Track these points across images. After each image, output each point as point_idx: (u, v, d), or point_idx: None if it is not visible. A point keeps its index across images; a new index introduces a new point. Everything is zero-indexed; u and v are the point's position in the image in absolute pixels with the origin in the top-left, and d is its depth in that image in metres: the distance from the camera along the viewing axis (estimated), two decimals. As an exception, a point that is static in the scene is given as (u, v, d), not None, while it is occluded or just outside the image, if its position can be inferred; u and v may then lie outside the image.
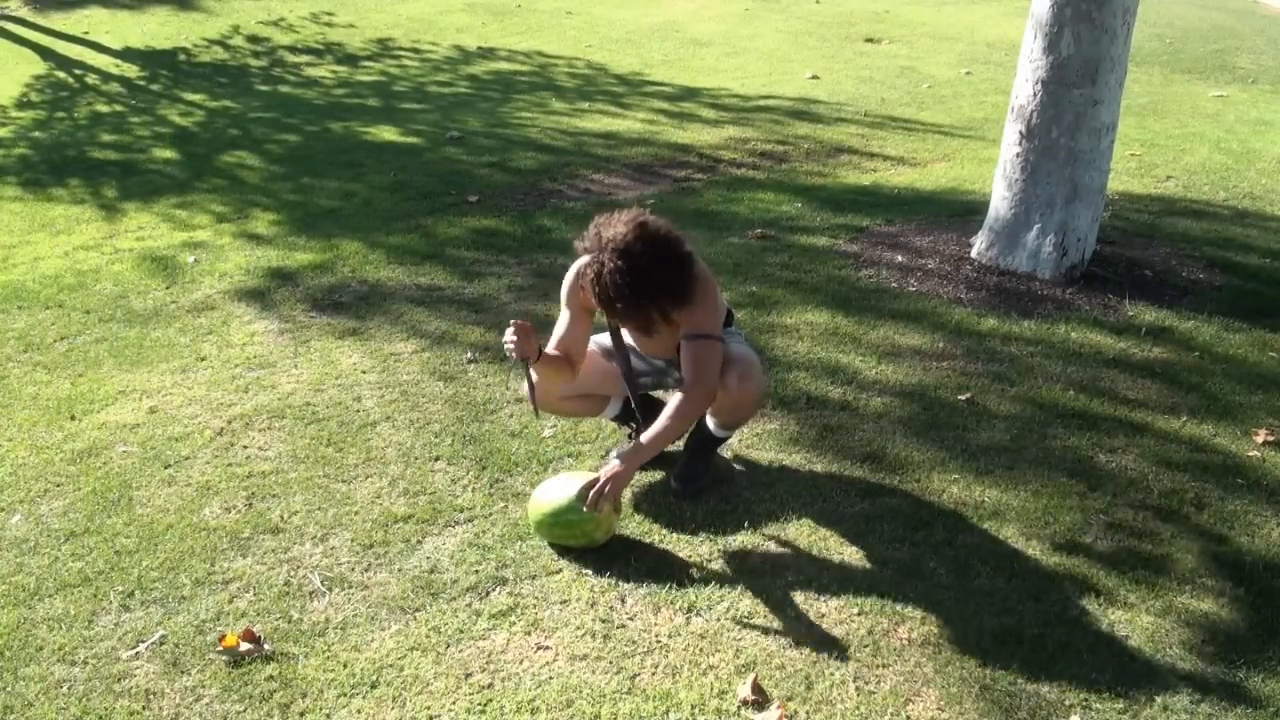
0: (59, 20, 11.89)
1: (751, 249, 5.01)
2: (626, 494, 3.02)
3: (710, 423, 2.98)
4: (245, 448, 3.32)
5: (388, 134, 7.49)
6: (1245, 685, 2.36)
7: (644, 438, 2.74)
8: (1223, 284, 4.64)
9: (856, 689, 2.32)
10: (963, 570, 2.72)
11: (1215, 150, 7.03)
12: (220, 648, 2.43)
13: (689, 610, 2.56)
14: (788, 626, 2.50)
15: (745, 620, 2.53)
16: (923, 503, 3.01)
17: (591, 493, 2.65)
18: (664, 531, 2.86)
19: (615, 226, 2.57)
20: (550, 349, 2.84)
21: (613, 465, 2.73)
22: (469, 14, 12.09)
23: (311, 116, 8.11)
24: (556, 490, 2.74)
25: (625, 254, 2.52)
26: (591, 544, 2.75)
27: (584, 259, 2.65)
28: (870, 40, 11.03)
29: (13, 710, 2.29)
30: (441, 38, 11.12)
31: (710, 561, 2.74)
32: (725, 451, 3.20)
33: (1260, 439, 3.38)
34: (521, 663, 2.40)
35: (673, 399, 2.77)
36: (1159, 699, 2.31)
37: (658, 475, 3.11)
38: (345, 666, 2.39)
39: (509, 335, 2.70)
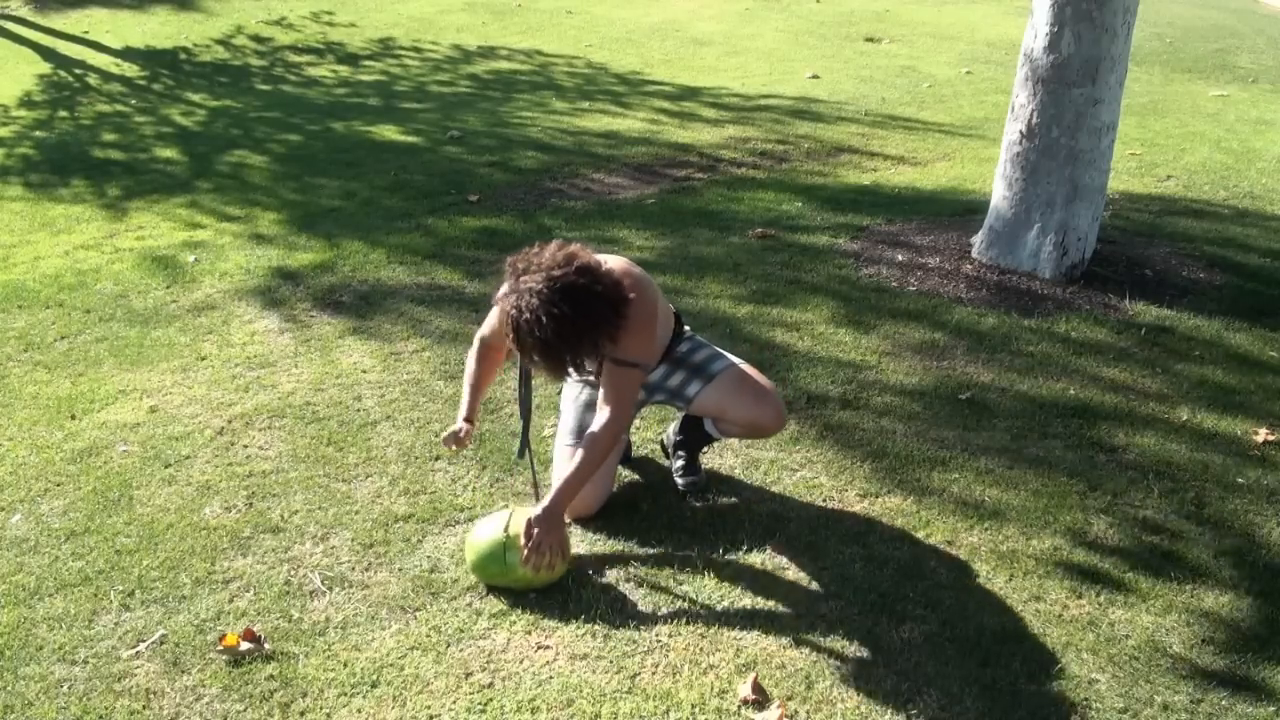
0: (59, 20, 11.90)
1: (752, 248, 5.01)
2: (628, 494, 3.02)
3: (706, 424, 2.96)
4: (246, 447, 3.32)
5: (389, 133, 7.49)
6: (1246, 685, 2.36)
7: (562, 480, 2.61)
8: (1223, 283, 4.64)
9: (856, 689, 2.32)
10: (963, 570, 2.72)
11: (1215, 149, 7.03)
12: (220, 647, 2.43)
13: (689, 610, 2.56)
14: (788, 626, 2.50)
15: (745, 620, 2.53)
16: (923, 502, 3.01)
17: (526, 553, 2.53)
18: (664, 531, 2.86)
19: (535, 267, 2.40)
20: (474, 350, 2.88)
21: (536, 517, 2.55)
22: (469, 13, 12.08)
23: (313, 116, 8.11)
24: (487, 535, 2.62)
25: (542, 296, 2.34)
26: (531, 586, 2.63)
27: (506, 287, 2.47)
28: (870, 40, 11.02)
29: (13, 710, 2.29)
30: (442, 37, 11.11)
31: (710, 561, 2.74)
32: (730, 454, 3.20)
33: (1261, 438, 3.38)
34: (522, 662, 2.40)
35: (587, 434, 2.64)
36: (1159, 699, 2.31)
37: (658, 475, 3.11)
38: (345, 666, 2.39)
39: (448, 437, 2.81)
